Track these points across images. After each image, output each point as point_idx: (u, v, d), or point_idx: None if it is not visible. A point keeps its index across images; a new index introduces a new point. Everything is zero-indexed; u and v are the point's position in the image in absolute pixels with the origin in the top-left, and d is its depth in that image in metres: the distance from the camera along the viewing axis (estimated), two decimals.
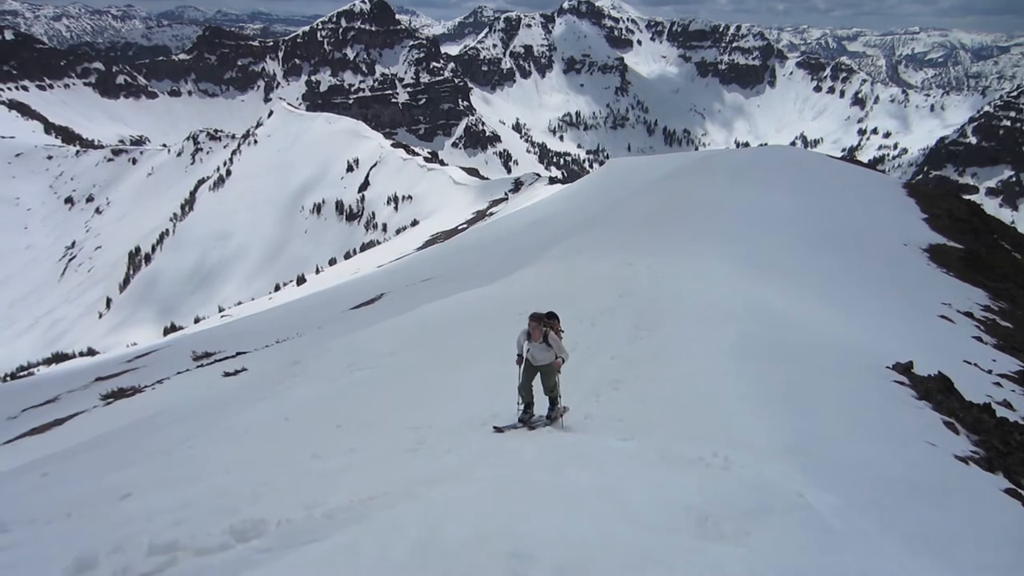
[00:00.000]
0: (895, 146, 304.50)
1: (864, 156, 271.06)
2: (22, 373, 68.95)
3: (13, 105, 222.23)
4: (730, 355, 9.21)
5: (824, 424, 7.25)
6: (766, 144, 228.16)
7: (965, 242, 26.66)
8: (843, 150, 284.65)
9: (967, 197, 41.00)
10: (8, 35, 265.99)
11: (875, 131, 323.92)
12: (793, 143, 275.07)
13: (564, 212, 39.28)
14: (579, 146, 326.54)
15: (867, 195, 31.95)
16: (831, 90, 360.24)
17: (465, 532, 3.56)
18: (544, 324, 8.29)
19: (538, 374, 8.40)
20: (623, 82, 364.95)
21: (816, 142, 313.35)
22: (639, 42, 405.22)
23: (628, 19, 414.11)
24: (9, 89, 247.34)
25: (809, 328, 11.95)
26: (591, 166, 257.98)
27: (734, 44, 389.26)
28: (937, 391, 9.31)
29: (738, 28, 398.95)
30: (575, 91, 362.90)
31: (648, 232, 20.13)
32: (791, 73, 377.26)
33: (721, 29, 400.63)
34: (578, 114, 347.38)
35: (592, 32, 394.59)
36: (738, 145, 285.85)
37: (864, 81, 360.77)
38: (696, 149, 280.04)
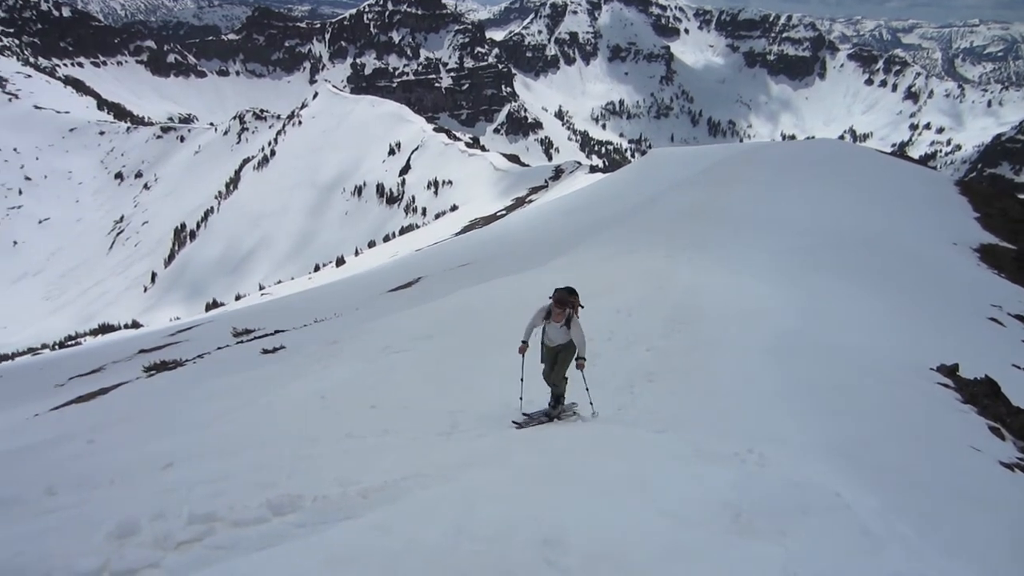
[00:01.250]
0: (948, 142, 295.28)
1: (915, 152, 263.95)
2: (70, 343, 71.08)
3: (69, 81, 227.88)
4: (768, 351, 9.07)
5: (864, 425, 7.11)
6: (813, 137, 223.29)
7: (1019, 243, 25.82)
8: (893, 145, 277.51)
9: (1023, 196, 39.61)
10: (66, 12, 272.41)
11: (928, 126, 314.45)
12: (841, 137, 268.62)
13: (604, 201, 39.00)
14: (621, 135, 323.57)
15: (916, 192, 31.11)
16: (883, 83, 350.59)
17: (498, 516, 3.58)
18: (568, 305, 7.68)
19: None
20: (668, 71, 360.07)
21: (865, 137, 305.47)
22: (686, 31, 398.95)
23: (676, 7, 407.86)
24: (65, 65, 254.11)
25: (851, 327, 11.71)
26: (633, 155, 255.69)
27: (784, 34, 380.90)
28: (983, 395, 9.05)
29: (789, 18, 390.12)
30: (619, 79, 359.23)
31: (688, 224, 19.90)
32: (842, 65, 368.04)
33: (771, 19, 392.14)
34: (621, 102, 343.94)
35: (638, 20, 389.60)
36: (784, 138, 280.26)
37: (918, 75, 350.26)
38: (740, 141, 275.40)
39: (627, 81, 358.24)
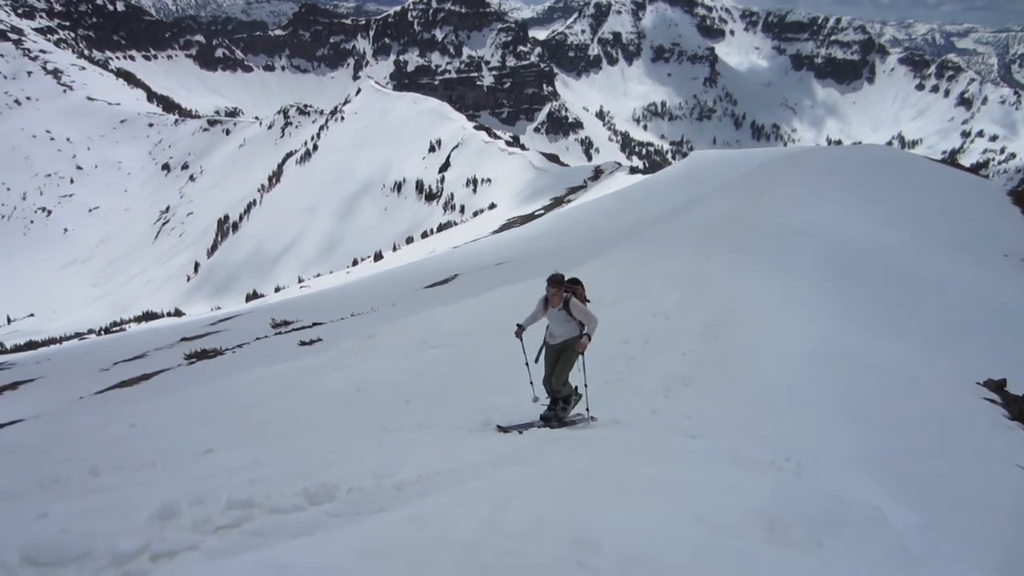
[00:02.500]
0: (1002, 151, 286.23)
1: (966, 160, 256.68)
2: (115, 329, 72.94)
3: (121, 73, 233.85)
4: (809, 359, 8.92)
5: (905, 438, 6.95)
6: (859, 143, 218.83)
7: None
8: (943, 153, 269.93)
9: None
10: (120, 6, 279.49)
11: (980, 134, 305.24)
12: (889, 143, 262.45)
13: (643, 203, 38.75)
14: (662, 137, 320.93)
15: (967, 201, 30.28)
16: (935, 89, 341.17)
17: (530, 515, 3.58)
18: (565, 289, 7.29)
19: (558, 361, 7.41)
20: (712, 73, 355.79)
21: (914, 143, 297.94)
22: (731, 32, 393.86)
23: (721, 8, 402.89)
24: (118, 58, 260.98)
25: (894, 337, 11.45)
26: (674, 157, 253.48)
27: (832, 37, 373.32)
28: None
29: (838, 20, 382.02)
30: (662, 80, 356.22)
31: (729, 228, 19.66)
32: (892, 69, 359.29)
33: (820, 21, 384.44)
34: (663, 104, 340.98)
35: (683, 20, 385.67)
36: (830, 143, 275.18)
37: (972, 80, 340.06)
38: (785, 145, 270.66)
39: (670, 82, 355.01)
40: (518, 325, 7.60)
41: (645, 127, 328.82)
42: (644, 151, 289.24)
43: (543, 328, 7.64)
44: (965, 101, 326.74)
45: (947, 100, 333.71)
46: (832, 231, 20.11)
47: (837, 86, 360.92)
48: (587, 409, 7.62)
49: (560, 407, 7.58)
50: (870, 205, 24.98)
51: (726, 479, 4.91)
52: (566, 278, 7.53)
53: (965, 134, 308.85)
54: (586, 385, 7.58)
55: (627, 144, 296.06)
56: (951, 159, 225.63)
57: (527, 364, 7.68)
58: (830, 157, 39.96)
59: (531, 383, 7.71)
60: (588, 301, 7.71)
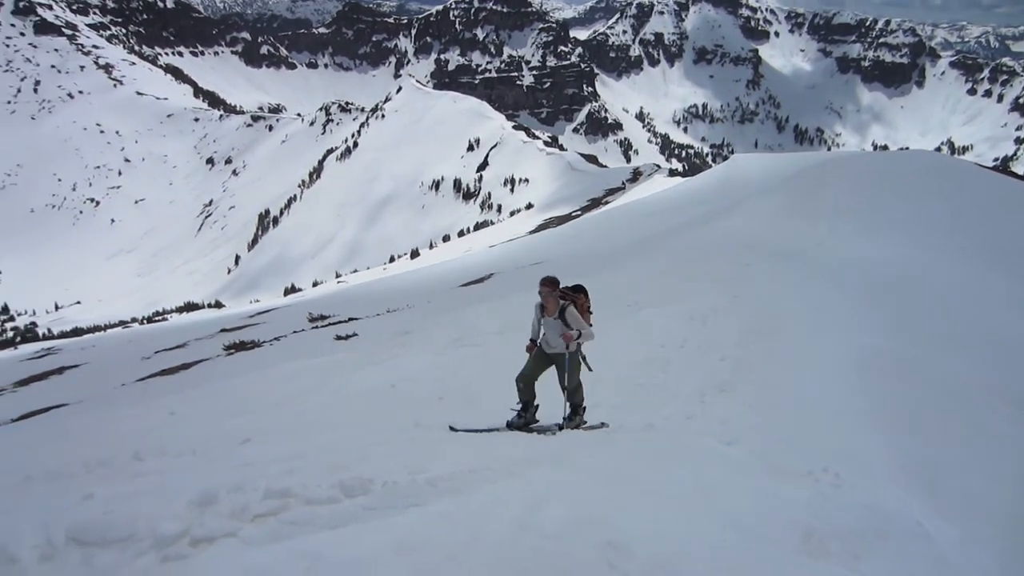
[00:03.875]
0: None
1: (1021, 168, 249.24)
2: (157, 318, 74.63)
3: (169, 69, 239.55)
4: (851, 368, 8.73)
5: (950, 452, 6.77)
6: (906, 148, 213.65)
7: None
8: (995, 160, 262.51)
9: None
10: (169, 3, 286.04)
11: None
12: (938, 149, 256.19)
13: (682, 206, 38.41)
14: (703, 139, 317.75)
15: (1021, 210, 29.39)
16: (987, 93, 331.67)
17: (562, 515, 3.58)
18: (564, 295, 6.79)
19: (553, 367, 7.05)
20: (755, 75, 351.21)
21: (964, 149, 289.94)
22: (776, 34, 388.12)
23: (766, 9, 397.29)
24: (166, 54, 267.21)
25: (942, 348, 11.16)
26: (714, 160, 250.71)
27: (881, 40, 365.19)
28: None
29: (887, 22, 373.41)
30: (704, 82, 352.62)
31: (770, 232, 19.38)
32: (943, 73, 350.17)
33: (868, 23, 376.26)
34: (705, 106, 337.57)
35: (727, 22, 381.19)
36: (875, 148, 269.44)
37: None
38: (828, 149, 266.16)
39: (711, 84, 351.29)
40: (532, 341, 7.12)
41: (685, 129, 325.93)
42: (684, 153, 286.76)
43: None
44: (1020, 106, 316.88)
45: (1000, 105, 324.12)
46: (878, 240, 19.70)
47: (884, 90, 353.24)
48: (564, 418, 7.25)
49: (573, 415, 7.22)
50: (918, 214, 24.40)
51: (761, 487, 4.84)
52: (584, 284, 7.19)
53: (1019, 140, 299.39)
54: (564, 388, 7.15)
55: (667, 146, 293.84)
56: (1004, 166, 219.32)
57: (517, 378, 7.28)
58: (876, 163, 39.11)
59: (517, 383, 7.29)
60: (590, 312, 7.21)
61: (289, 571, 2.85)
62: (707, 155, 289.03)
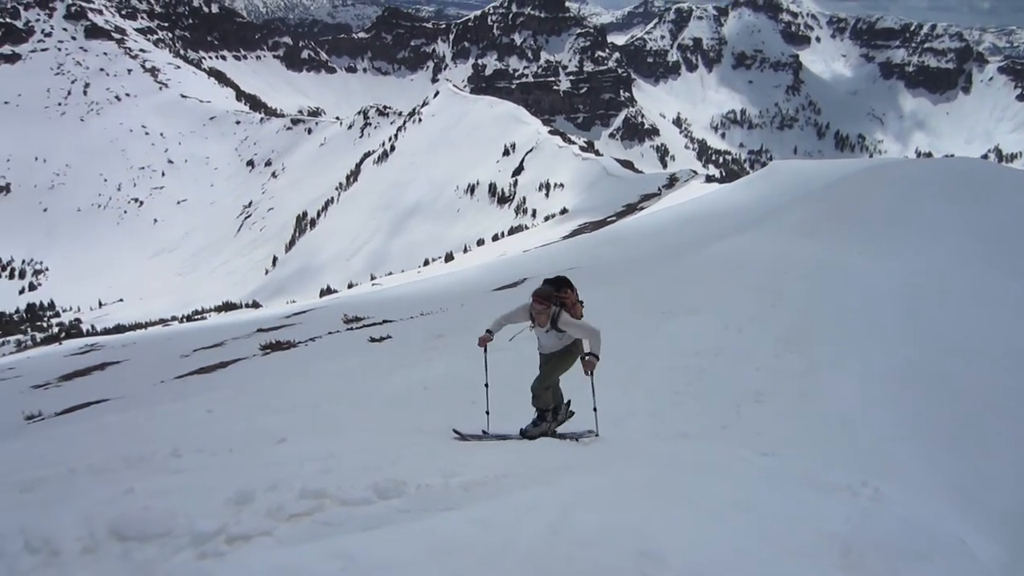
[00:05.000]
0: None
1: None
2: (196, 316, 76.03)
3: (212, 72, 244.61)
4: (891, 380, 8.55)
5: (992, 468, 6.58)
6: (951, 155, 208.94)
7: None
8: None
9: None
10: (214, 8, 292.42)
11: None
12: (984, 156, 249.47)
13: (719, 213, 38.01)
14: (741, 145, 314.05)
15: None
16: None
17: (596, 523, 3.56)
18: (554, 302, 6.07)
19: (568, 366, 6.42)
20: (795, 80, 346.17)
21: (1012, 157, 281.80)
22: (817, 39, 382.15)
23: (808, 14, 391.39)
24: (210, 58, 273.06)
25: (987, 362, 10.86)
26: (752, 167, 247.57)
27: (926, 45, 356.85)
28: None
29: (932, 27, 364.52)
30: (743, 87, 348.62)
31: (809, 240, 19.05)
32: (990, 79, 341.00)
33: (912, 28, 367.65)
34: (743, 112, 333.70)
35: (767, 27, 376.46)
36: (919, 155, 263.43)
37: None
38: (870, 156, 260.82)
39: (750, 90, 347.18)
40: (487, 331, 6.48)
41: (723, 135, 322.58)
42: (721, 159, 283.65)
43: (512, 333, 6.78)
44: None
45: None
46: (921, 248, 19.26)
47: (929, 96, 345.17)
48: (593, 431, 6.74)
49: (546, 420, 6.64)
50: (962, 223, 23.79)
51: (798, 500, 4.75)
52: (548, 280, 6.47)
53: None
54: (595, 409, 6.68)
55: (704, 152, 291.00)
56: None
57: (486, 385, 6.82)
58: (920, 170, 38.27)
59: (487, 412, 6.79)
60: (581, 303, 6.55)
61: (324, 571, 2.87)
62: (745, 161, 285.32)
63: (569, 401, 6.94)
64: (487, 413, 6.86)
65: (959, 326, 12.64)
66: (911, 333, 11.19)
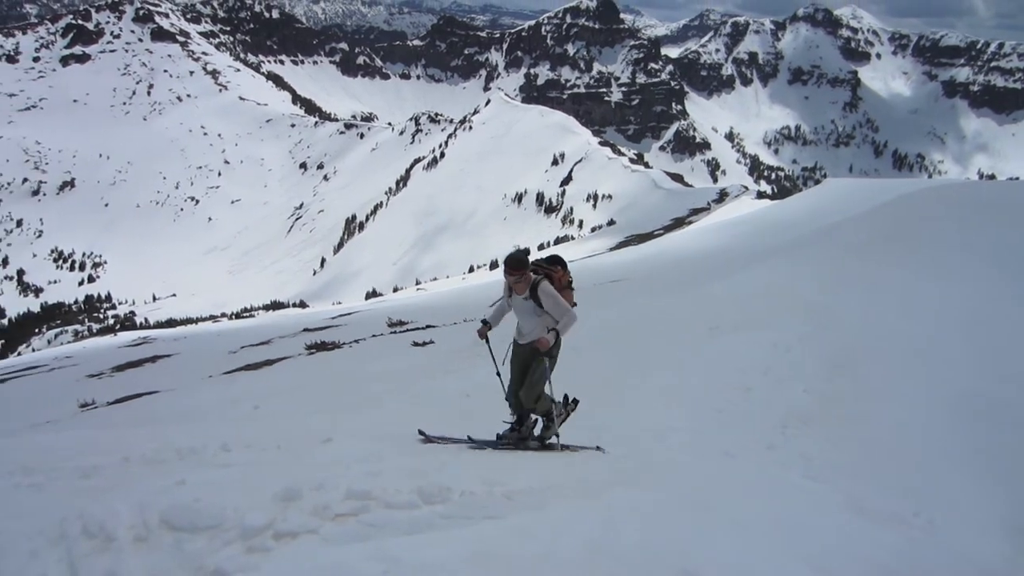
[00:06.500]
0: None
1: None
2: (245, 314, 77.67)
3: (270, 76, 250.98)
4: (947, 408, 8.28)
5: None
6: (1017, 178, 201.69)
7: None
8: None
9: None
10: (275, 14, 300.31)
11: None
12: None
13: (770, 229, 37.38)
14: (794, 162, 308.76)
15: None
16: None
17: (638, 540, 3.52)
18: (536, 270, 5.71)
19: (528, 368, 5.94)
20: (853, 97, 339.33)
21: None
22: (878, 55, 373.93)
23: (868, 30, 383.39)
24: (269, 62, 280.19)
25: None
26: (805, 184, 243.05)
27: (993, 63, 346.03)
28: None
29: (1000, 46, 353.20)
30: (798, 103, 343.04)
31: (863, 261, 18.59)
32: None
33: (979, 46, 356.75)
34: (798, 128, 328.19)
35: (825, 42, 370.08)
36: (981, 177, 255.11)
37: None
38: (929, 177, 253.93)
39: (806, 106, 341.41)
40: (483, 322, 6.17)
41: (776, 151, 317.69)
42: (773, 176, 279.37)
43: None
44: None
45: None
46: (984, 275, 18.64)
47: (994, 116, 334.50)
48: (556, 435, 6.31)
49: (532, 425, 6.34)
50: None
51: (847, 527, 4.63)
52: (554, 260, 6.02)
53: None
54: (554, 401, 6.29)
55: (755, 167, 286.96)
56: None
57: (498, 373, 6.46)
58: (985, 192, 37.07)
59: (507, 400, 6.42)
60: (571, 287, 6.05)
61: (367, 572, 2.89)
62: (798, 178, 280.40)
63: (566, 395, 6.62)
64: (508, 401, 6.50)
65: (1021, 356, 12.20)
66: (969, 360, 10.83)
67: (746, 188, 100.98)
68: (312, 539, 3.18)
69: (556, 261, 5.99)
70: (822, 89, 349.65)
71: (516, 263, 5.53)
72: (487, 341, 6.31)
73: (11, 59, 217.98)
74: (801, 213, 40.76)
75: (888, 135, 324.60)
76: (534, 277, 5.62)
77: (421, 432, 6.36)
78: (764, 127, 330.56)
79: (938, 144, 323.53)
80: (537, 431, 6.49)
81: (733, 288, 16.93)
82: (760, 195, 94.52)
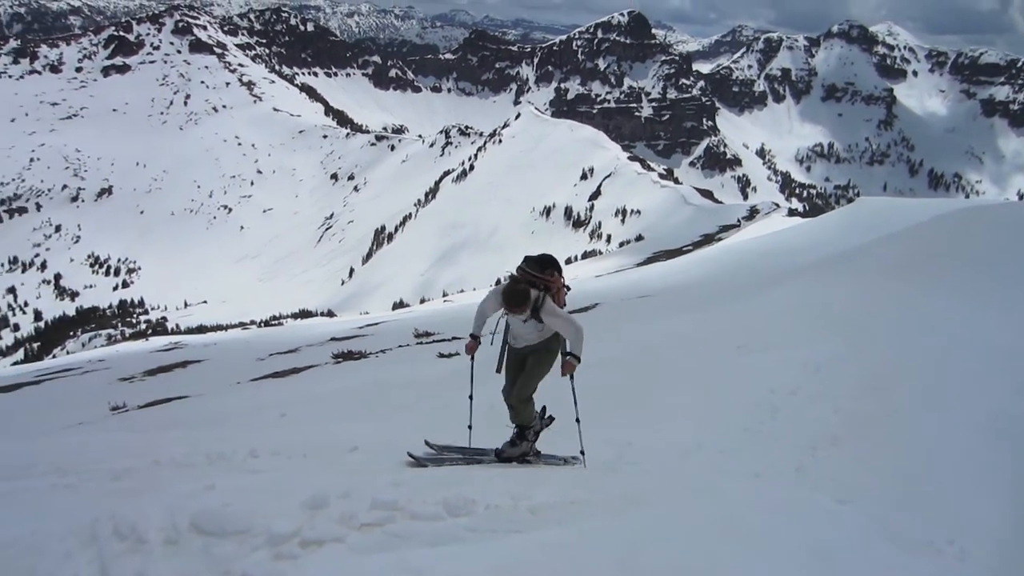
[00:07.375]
0: None
1: None
2: (273, 322, 78.51)
3: (304, 88, 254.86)
4: (979, 433, 8.09)
5: None
6: None
7: None
8: None
9: None
10: (310, 27, 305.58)
11: None
12: None
13: (800, 248, 36.94)
14: (827, 179, 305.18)
15: None
16: None
17: (664, 561, 3.48)
18: (533, 282, 5.20)
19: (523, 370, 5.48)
20: (888, 115, 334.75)
21: None
22: (914, 73, 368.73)
23: (904, 47, 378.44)
24: (303, 74, 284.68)
25: None
26: (838, 202, 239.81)
27: None
28: None
29: None
30: (831, 121, 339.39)
31: (897, 281, 18.29)
32: None
33: (1020, 64, 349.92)
34: (831, 145, 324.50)
35: (860, 59, 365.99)
36: (1021, 197, 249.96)
37: None
38: (967, 196, 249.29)
39: (840, 123, 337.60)
40: (471, 336, 5.70)
41: (808, 168, 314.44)
42: (805, 193, 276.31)
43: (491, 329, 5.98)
44: None
45: None
46: (1015, 297, 18.23)
47: None
48: (581, 452, 6.09)
49: (527, 439, 5.86)
50: None
51: (877, 553, 4.54)
52: (548, 262, 5.46)
53: None
54: (578, 420, 6.08)
55: (787, 185, 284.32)
56: None
57: (470, 396, 6.09)
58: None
59: (469, 426, 6.17)
60: (566, 287, 5.65)
61: None
62: (830, 196, 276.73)
63: (544, 407, 6.19)
64: (469, 428, 6.27)
65: None
66: (1006, 385, 10.58)
67: (777, 205, 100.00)
68: (338, 548, 3.20)
69: (549, 263, 5.44)
70: (856, 106, 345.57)
71: (519, 299, 5.12)
72: (472, 359, 5.91)
73: (55, 69, 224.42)
74: (834, 231, 40.25)
75: (924, 154, 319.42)
76: (534, 294, 5.20)
77: (427, 443, 6.18)
78: (796, 144, 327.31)
79: (976, 164, 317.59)
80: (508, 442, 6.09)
81: (762, 306, 16.76)
82: (791, 212, 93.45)
